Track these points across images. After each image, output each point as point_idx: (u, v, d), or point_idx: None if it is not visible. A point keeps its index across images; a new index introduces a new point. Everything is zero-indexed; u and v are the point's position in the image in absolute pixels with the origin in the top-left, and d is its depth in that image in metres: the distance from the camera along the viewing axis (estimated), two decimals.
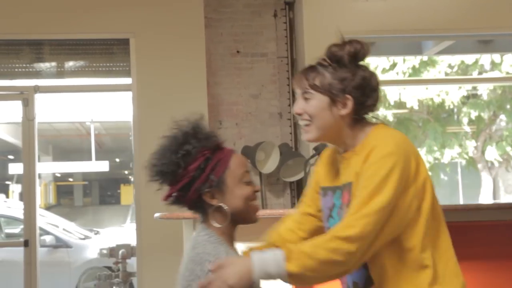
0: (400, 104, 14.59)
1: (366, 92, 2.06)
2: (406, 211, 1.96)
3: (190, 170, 2.01)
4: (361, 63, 2.08)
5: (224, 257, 1.97)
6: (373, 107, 2.10)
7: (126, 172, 24.70)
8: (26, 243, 5.75)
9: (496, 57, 13.00)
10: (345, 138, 2.08)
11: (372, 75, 2.09)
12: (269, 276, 1.90)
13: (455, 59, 13.57)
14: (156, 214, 3.90)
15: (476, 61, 13.47)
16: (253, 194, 2.07)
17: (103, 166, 17.24)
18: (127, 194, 23.58)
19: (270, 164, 5.63)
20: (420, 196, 2.02)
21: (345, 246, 1.85)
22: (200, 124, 2.13)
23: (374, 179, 1.92)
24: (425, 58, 13.30)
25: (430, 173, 2.13)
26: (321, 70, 2.05)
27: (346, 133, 2.07)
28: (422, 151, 15.72)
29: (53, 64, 6.05)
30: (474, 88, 14.38)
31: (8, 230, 9.77)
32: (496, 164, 15.85)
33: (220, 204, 2.03)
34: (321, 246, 1.87)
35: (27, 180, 5.84)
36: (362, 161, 1.98)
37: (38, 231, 5.89)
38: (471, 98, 14.75)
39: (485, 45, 7.31)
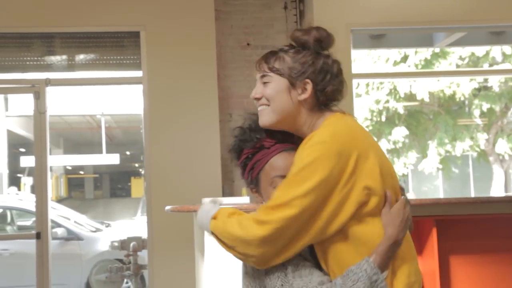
0: (410, 97, 14.55)
1: (327, 78, 1.99)
2: (333, 210, 1.84)
3: (239, 164, 2.10)
4: (325, 52, 2.03)
5: None
6: (334, 95, 2.02)
7: (136, 165, 24.79)
8: (38, 236, 5.78)
9: (507, 49, 12.94)
10: (302, 125, 2.00)
11: (335, 62, 2.03)
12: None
13: (466, 51, 13.51)
14: (167, 207, 3.91)
15: (487, 53, 13.41)
16: None
17: (113, 159, 17.30)
18: (137, 187, 23.67)
19: None
20: (359, 200, 1.85)
21: (256, 232, 1.81)
22: (247, 125, 2.11)
23: (297, 166, 1.84)
24: (436, 50, 13.24)
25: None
26: (281, 54, 2.01)
27: (303, 120, 1.99)
28: (433, 144, 15.68)
29: (64, 57, 6.07)
30: (486, 80, 14.31)
31: (20, 223, 9.83)
32: (508, 157, 15.79)
33: (261, 200, 2.08)
34: (238, 220, 1.87)
35: (39, 173, 5.87)
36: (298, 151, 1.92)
37: (50, 224, 5.92)
38: (482, 90, 14.68)
39: (497, 36, 7.27)
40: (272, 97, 1.99)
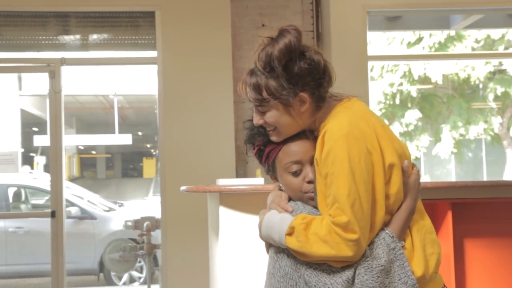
0: (424, 79, 14.46)
1: (318, 79, 1.96)
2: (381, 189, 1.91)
3: (254, 155, 2.14)
4: (301, 49, 1.96)
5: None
6: (329, 85, 2.01)
7: (148, 145, 24.84)
8: (53, 214, 5.82)
9: None
10: (311, 124, 2.02)
11: (316, 56, 1.97)
12: (273, 241, 1.96)
13: (482, 34, 13.39)
14: (182, 187, 3.92)
15: (503, 36, 13.29)
16: (301, 185, 2.03)
17: (126, 139, 17.32)
18: (149, 167, 23.74)
19: None
20: (385, 179, 1.93)
21: (346, 246, 1.83)
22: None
23: (335, 164, 1.85)
24: (452, 32, 13.13)
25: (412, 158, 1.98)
26: (263, 79, 1.95)
27: (311, 121, 2.01)
28: (446, 128, 15.61)
29: (79, 36, 6.07)
30: (501, 64, 14.19)
31: (34, 201, 9.90)
32: None
33: (280, 186, 2.13)
34: (321, 237, 1.84)
35: (54, 152, 5.90)
36: (319, 147, 1.92)
37: (64, 202, 5.96)
38: (497, 74, 14.57)
39: None
40: (274, 123, 2.00)
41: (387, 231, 1.91)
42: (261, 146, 2.09)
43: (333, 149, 1.86)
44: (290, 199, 2.07)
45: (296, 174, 2.02)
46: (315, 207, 1.98)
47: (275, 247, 1.98)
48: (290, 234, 1.89)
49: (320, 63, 1.97)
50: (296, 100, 1.95)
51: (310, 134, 2.03)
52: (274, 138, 2.04)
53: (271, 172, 2.11)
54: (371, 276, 1.83)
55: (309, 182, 2.01)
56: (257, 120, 2.02)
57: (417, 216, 2.01)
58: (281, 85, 1.93)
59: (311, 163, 2.00)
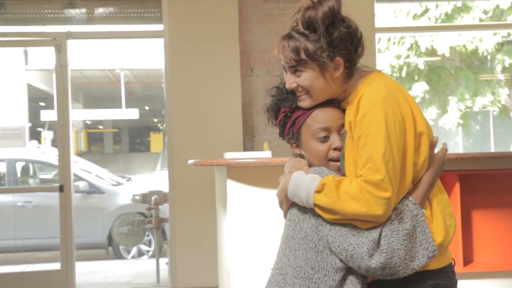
0: (431, 51, 14.36)
1: (354, 47, 2.02)
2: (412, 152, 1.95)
3: (277, 124, 2.15)
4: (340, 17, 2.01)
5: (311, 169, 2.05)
6: (362, 54, 2.06)
7: (155, 120, 24.85)
8: (61, 188, 5.85)
9: None
10: (341, 92, 2.05)
11: (354, 25, 2.03)
12: (299, 200, 1.97)
13: (490, 4, 13.25)
14: (190, 161, 3.93)
15: None
16: (327, 152, 2.05)
17: (133, 113, 17.33)
18: (156, 141, 23.76)
19: None
20: (415, 147, 1.97)
21: (378, 201, 1.86)
22: (283, 85, 2.13)
23: (371, 126, 1.89)
24: (459, 4, 13.00)
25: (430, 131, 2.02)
26: (303, 41, 1.99)
27: (341, 88, 2.04)
28: (453, 100, 15.54)
29: (84, 10, 6.04)
30: (509, 35, 14.06)
31: (42, 176, 9.94)
32: None
33: (301, 152, 2.13)
34: (352, 195, 1.87)
35: (61, 127, 5.91)
36: (354, 111, 1.95)
37: (72, 177, 5.98)
38: (505, 45, 14.44)
39: None
40: (309, 87, 2.02)
41: (410, 198, 1.96)
42: (288, 113, 2.10)
43: (370, 111, 1.90)
44: (310, 167, 2.07)
45: (323, 140, 2.04)
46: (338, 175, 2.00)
47: (298, 210, 1.99)
48: (319, 191, 1.91)
49: (357, 30, 2.04)
50: (331, 63, 1.99)
51: (338, 104, 2.07)
52: (305, 103, 2.06)
53: (294, 139, 2.12)
54: (397, 238, 1.87)
55: (335, 149, 2.03)
56: (290, 84, 2.04)
57: (436, 189, 2.04)
58: (320, 46, 1.97)
59: (338, 131, 2.04)
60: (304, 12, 2.00)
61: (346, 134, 2.00)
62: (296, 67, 2.01)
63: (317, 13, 1.97)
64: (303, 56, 1.98)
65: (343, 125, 2.03)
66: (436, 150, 2.09)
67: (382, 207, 1.85)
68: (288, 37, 2.02)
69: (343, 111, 2.05)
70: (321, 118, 2.05)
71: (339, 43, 1.98)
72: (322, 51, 1.97)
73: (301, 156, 2.14)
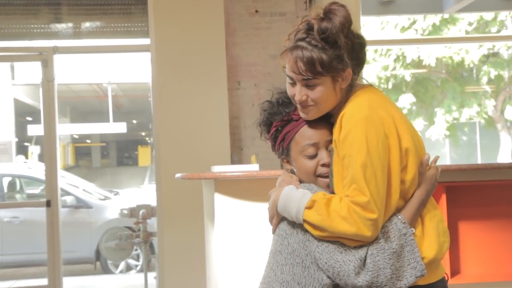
0: (418, 63, 14.46)
1: (361, 58, 2.03)
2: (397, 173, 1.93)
3: (269, 138, 2.16)
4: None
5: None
6: (362, 68, 2.06)
7: (143, 133, 24.80)
8: (48, 203, 5.82)
9: None
10: (339, 106, 2.03)
11: (362, 37, 2.03)
12: (289, 215, 1.96)
13: (474, 16, 13.39)
14: (177, 175, 3.92)
15: (496, 16, 13.29)
16: (315, 168, 2.05)
17: (120, 127, 17.28)
18: (144, 155, 23.69)
19: None
20: (402, 165, 1.96)
21: (366, 224, 1.85)
22: (275, 100, 2.14)
23: (354, 146, 1.88)
24: (445, 15, 13.12)
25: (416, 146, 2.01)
26: (317, 52, 1.93)
27: (342, 101, 2.02)
28: (440, 111, 15.63)
29: (71, 24, 6.04)
30: (494, 47, 14.20)
31: (29, 191, 9.90)
32: None
33: (292, 169, 2.13)
34: (341, 215, 1.86)
35: (48, 141, 5.89)
36: (338, 129, 1.94)
37: (59, 192, 5.96)
38: (491, 57, 14.57)
39: (506, 1, 7.19)
40: (320, 100, 1.98)
41: (399, 217, 1.95)
42: (279, 127, 2.10)
43: (352, 132, 1.89)
44: (300, 182, 2.07)
45: (311, 157, 2.04)
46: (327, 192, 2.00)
47: (287, 225, 1.99)
48: (310, 207, 1.90)
49: (365, 42, 2.04)
50: (342, 75, 1.97)
51: (327, 118, 2.05)
52: (309, 114, 2.02)
53: (285, 154, 2.12)
54: (383, 257, 1.86)
55: (323, 165, 2.03)
56: (301, 96, 1.98)
57: (429, 205, 2.04)
58: (336, 58, 1.93)
59: (327, 147, 2.04)
60: (319, 23, 1.93)
61: (333, 151, 1.99)
62: (310, 79, 1.96)
63: (333, 24, 1.92)
64: (318, 68, 1.93)
65: (331, 141, 2.02)
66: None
67: (369, 228, 1.85)
68: (301, 48, 1.95)
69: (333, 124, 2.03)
70: (309, 134, 2.05)
71: (353, 54, 1.97)
72: (338, 63, 1.93)
73: (292, 171, 2.14)
